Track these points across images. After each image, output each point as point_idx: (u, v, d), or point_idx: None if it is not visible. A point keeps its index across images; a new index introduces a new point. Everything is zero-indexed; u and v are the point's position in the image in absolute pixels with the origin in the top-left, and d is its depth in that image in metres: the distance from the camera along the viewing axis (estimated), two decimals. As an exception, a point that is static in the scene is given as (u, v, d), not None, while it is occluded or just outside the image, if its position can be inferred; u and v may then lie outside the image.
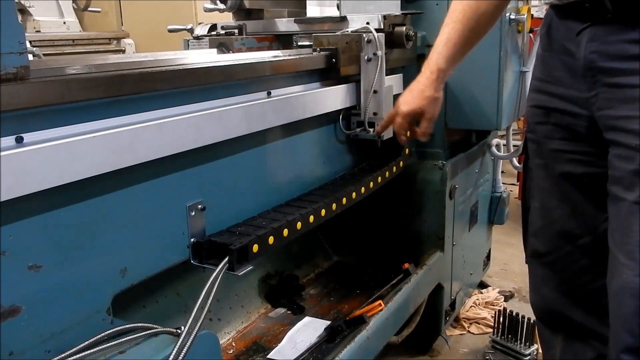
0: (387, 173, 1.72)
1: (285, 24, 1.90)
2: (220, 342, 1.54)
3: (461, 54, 1.45)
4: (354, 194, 1.52)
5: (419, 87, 1.48)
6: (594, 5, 1.13)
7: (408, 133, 1.57)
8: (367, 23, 1.66)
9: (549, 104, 1.31)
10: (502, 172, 2.73)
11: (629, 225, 1.13)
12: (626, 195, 1.14)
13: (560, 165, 1.32)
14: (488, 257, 2.73)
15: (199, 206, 1.13)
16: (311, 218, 1.33)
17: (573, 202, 1.33)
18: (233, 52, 1.79)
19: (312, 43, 1.59)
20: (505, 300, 2.67)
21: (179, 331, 0.93)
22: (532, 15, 2.19)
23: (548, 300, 1.44)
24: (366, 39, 1.55)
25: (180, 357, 0.89)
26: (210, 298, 1.00)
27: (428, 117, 1.51)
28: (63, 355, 0.84)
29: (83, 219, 0.91)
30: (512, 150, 2.47)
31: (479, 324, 2.47)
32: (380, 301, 1.66)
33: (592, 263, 1.31)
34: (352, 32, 1.59)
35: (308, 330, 1.66)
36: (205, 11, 2.11)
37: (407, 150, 1.86)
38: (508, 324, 2.22)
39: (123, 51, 4.45)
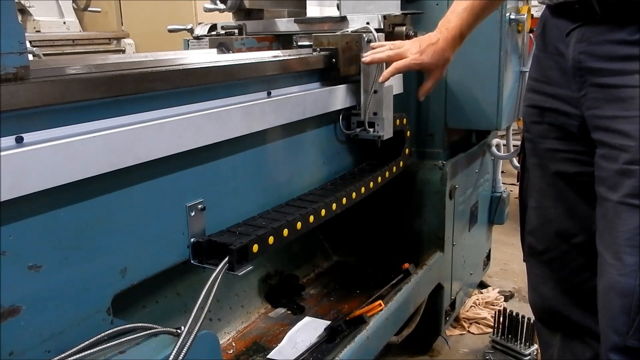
0: (387, 173, 1.72)
1: (285, 24, 1.90)
2: (220, 342, 1.54)
3: (479, 22, 1.47)
4: (354, 194, 1.52)
5: (441, 46, 1.47)
6: (583, 6, 1.14)
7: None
8: (367, 23, 1.66)
9: (544, 103, 1.32)
10: (502, 172, 2.73)
11: (614, 225, 1.14)
12: (610, 195, 1.14)
13: (554, 165, 1.33)
14: (488, 257, 2.73)
15: (199, 206, 1.13)
16: (311, 218, 1.33)
17: (568, 202, 1.33)
18: (233, 52, 1.79)
19: (312, 43, 1.59)
20: (505, 300, 2.67)
21: (179, 331, 0.93)
22: (532, 15, 2.18)
23: (546, 299, 1.44)
24: (366, 39, 1.55)
25: (180, 357, 0.88)
26: (210, 298, 1.00)
27: (436, 77, 1.54)
28: (63, 355, 0.84)
29: (83, 219, 0.91)
30: (512, 150, 2.47)
31: (479, 324, 2.47)
32: (380, 301, 1.66)
33: (588, 262, 1.31)
34: (352, 32, 1.59)
35: (308, 330, 1.66)
36: (205, 11, 2.11)
37: (407, 150, 1.86)
38: (508, 324, 2.22)
39: (123, 51, 4.45)
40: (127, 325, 0.94)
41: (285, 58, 1.40)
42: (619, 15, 1.10)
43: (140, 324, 0.95)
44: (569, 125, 1.26)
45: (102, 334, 0.90)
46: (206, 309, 0.98)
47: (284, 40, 1.92)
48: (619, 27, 1.10)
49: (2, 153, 0.75)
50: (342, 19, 1.74)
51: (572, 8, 1.17)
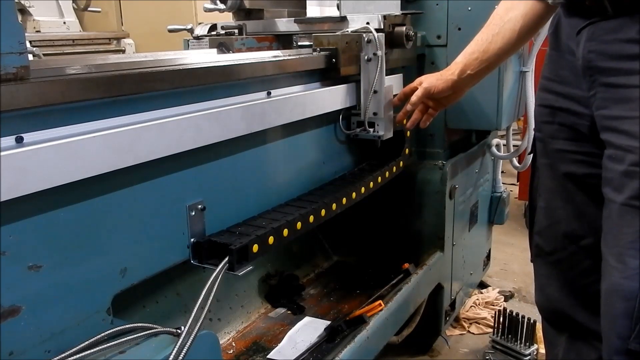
0: (387, 173, 1.72)
1: (285, 24, 1.90)
2: (220, 342, 1.54)
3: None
4: (354, 194, 1.52)
5: (454, 79, 1.52)
6: (594, 3, 1.13)
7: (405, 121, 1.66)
8: (367, 23, 1.66)
9: (555, 103, 1.31)
10: (502, 172, 2.73)
11: (618, 227, 1.13)
12: (615, 197, 1.13)
13: (564, 166, 1.32)
14: (488, 257, 2.73)
15: (199, 206, 1.13)
16: (311, 218, 1.33)
17: (577, 203, 1.32)
18: (233, 52, 1.79)
19: (312, 43, 1.59)
20: (505, 300, 2.67)
21: (179, 331, 0.93)
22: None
23: (552, 300, 1.43)
24: (366, 39, 1.55)
25: (180, 357, 0.88)
26: (210, 298, 1.00)
27: (443, 107, 1.64)
28: (63, 355, 0.84)
29: (83, 219, 0.91)
30: (512, 150, 2.47)
31: (479, 324, 2.47)
32: (380, 301, 1.66)
33: (595, 264, 1.30)
34: (352, 32, 1.59)
35: (308, 330, 1.66)
36: (205, 11, 2.11)
37: (407, 150, 1.86)
38: (508, 324, 2.22)
39: (123, 51, 4.45)
40: (127, 325, 0.94)
41: (285, 58, 1.40)
42: (629, 13, 1.09)
43: (140, 324, 0.95)
44: (580, 125, 1.26)
45: (102, 334, 0.90)
46: (206, 309, 0.98)
47: (284, 40, 1.92)
48: (629, 25, 1.09)
49: (2, 153, 0.75)
50: (342, 19, 1.74)
51: (584, 5, 1.16)
